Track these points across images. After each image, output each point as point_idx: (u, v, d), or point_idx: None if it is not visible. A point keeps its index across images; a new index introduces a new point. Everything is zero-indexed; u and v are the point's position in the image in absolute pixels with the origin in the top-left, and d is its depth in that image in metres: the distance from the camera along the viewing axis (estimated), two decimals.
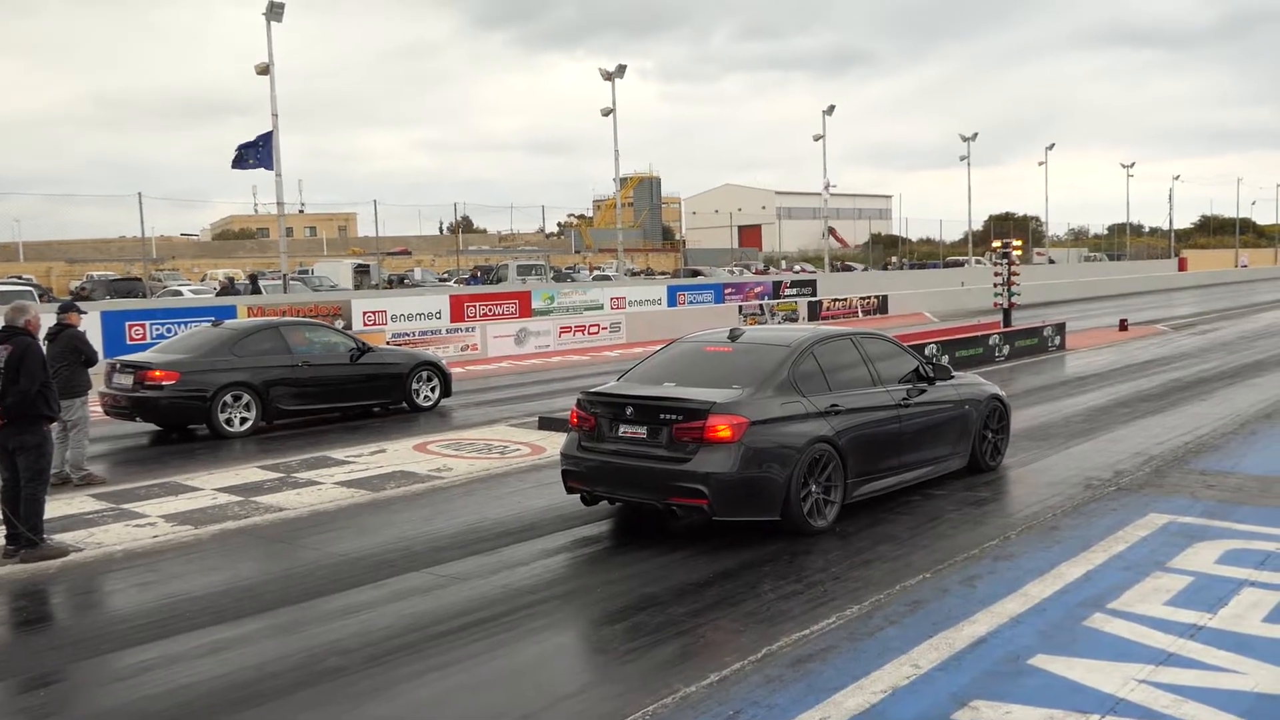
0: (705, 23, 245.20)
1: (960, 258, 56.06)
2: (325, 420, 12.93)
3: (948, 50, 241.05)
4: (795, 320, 29.35)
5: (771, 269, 58.52)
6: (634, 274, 51.82)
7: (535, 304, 27.45)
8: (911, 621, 5.33)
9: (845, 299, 32.20)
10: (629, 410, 6.89)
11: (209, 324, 12.76)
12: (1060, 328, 20.69)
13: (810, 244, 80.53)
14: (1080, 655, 4.82)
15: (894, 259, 62.10)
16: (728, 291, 33.05)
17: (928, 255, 63.45)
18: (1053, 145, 59.89)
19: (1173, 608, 5.43)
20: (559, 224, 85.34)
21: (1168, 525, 7.05)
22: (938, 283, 40.73)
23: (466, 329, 22.86)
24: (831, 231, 69.14)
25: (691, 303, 31.82)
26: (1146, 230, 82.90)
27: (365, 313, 23.44)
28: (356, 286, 37.37)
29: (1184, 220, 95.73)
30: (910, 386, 7.85)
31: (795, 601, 5.75)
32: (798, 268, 58.03)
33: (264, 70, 23.73)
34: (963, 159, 50.27)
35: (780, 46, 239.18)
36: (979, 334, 18.84)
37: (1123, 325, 24.52)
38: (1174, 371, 16.49)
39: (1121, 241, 67.35)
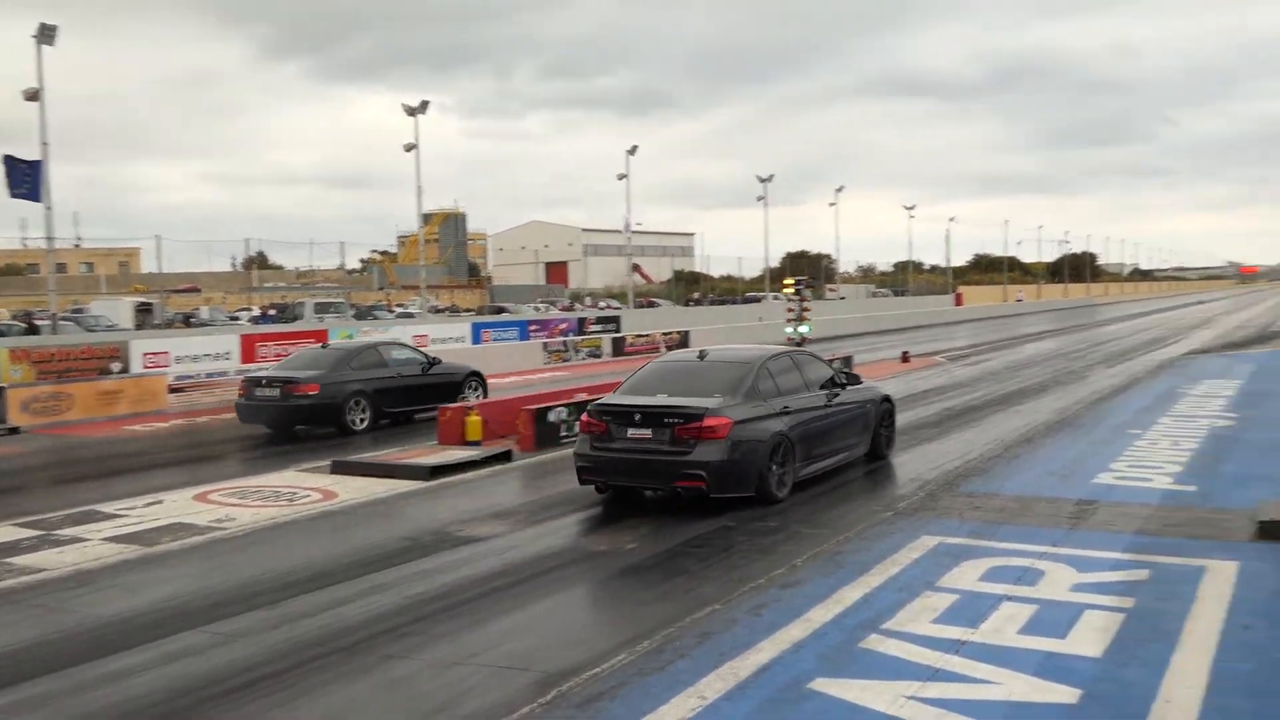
0: (507, 60, 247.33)
1: (759, 293, 58.24)
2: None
3: (744, 94, 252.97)
4: (599, 356, 29.95)
5: (577, 305, 58.97)
6: (438, 311, 51.08)
7: (333, 343, 26.72)
8: (700, 653, 5.44)
9: (648, 334, 32.81)
10: (637, 416, 8.79)
11: (319, 346, 16.80)
12: (848, 360, 21.66)
13: (616, 280, 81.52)
14: (856, 677, 5.06)
15: (696, 295, 63.76)
16: (532, 328, 33.11)
17: (729, 291, 65.57)
18: (842, 187, 63.60)
19: (940, 625, 5.76)
20: (362, 260, 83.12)
21: (938, 546, 7.48)
22: (738, 317, 42.10)
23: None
24: (636, 268, 70.45)
25: (497, 339, 31.67)
26: (927, 267, 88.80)
27: (145, 354, 22.27)
28: (138, 326, 35.30)
29: (960, 258, 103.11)
30: (829, 391, 10.00)
31: (588, 636, 5.84)
32: (603, 304, 58.70)
33: (33, 96, 22.85)
34: (760, 199, 52.30)
35: (583, 86, 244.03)
36: None
37: (905, 357, 25.94)
38: (949, 400, 17.63)
39: (905, 278, 71.83)
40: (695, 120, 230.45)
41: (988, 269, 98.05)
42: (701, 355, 9.91)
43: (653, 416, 8.88)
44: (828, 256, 69.25)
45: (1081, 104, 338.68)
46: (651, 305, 55.41)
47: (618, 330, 34.95)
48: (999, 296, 79.19)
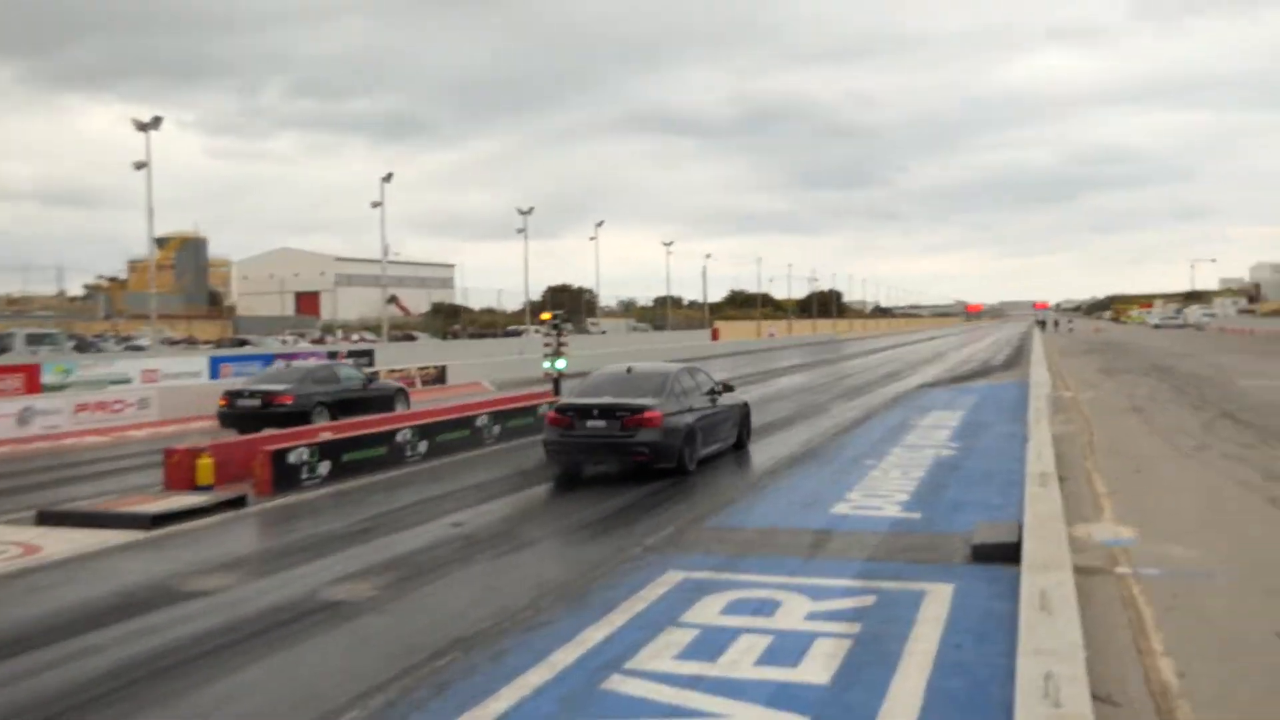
0: (254, 76, 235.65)
1: (519, 327, 58.20)
2: None
3: (506, 124, 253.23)
4: None
5: (328, 338, 56.80)
6: (173, 343, 47.80)
7: (46, 378, 24.96)
8: (438, 705, 5.31)
9: (403, 369, 32.01)
10: (595, 411, 12.52)
11: (283, 365, 21.29)
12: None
13: (372, 312, 79.29)
14: (597, 718, 5.07)
15: (456, 328, 62.88)
16: (278, 363, 31.20)
17: (489, 325, 65.14)
18: (602, 221, 65.38)
19: (681, 661, 5.88)
20: (86, 287, 76.63)
21: (683, 581, 7.65)
22: (497, 352, 41.76)
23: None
24: (394, 300, 68.76)
25: (238, 374, 29.88)
26: (686, 303, 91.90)
27: None
28: None
29: (716, 294, 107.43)
30: (712, 397, 14.11)
31: (319, 692, 5.60)
32: (356, 336, 56.86)
33: None
34: (520, 231, 52.47)
35: (336, 108, 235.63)
36: (530, 404, 19.37)
37: None
38: None
39: (664, 312, 73.94)
40: (455, 148, 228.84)
41: (742, 305, 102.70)
42: (629, 370, 14.04)
43: (606, 411, 12.70)
44: (589, 290, 70.33)
45: (825, 148, 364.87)
46: (409, 339, 54.22)
47: (371, 365, 33.82)
48: (753, 332, 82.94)
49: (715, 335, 70.69)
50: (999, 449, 15.01)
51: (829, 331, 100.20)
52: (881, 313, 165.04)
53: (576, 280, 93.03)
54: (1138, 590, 6.88)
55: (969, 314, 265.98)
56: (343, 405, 19.10)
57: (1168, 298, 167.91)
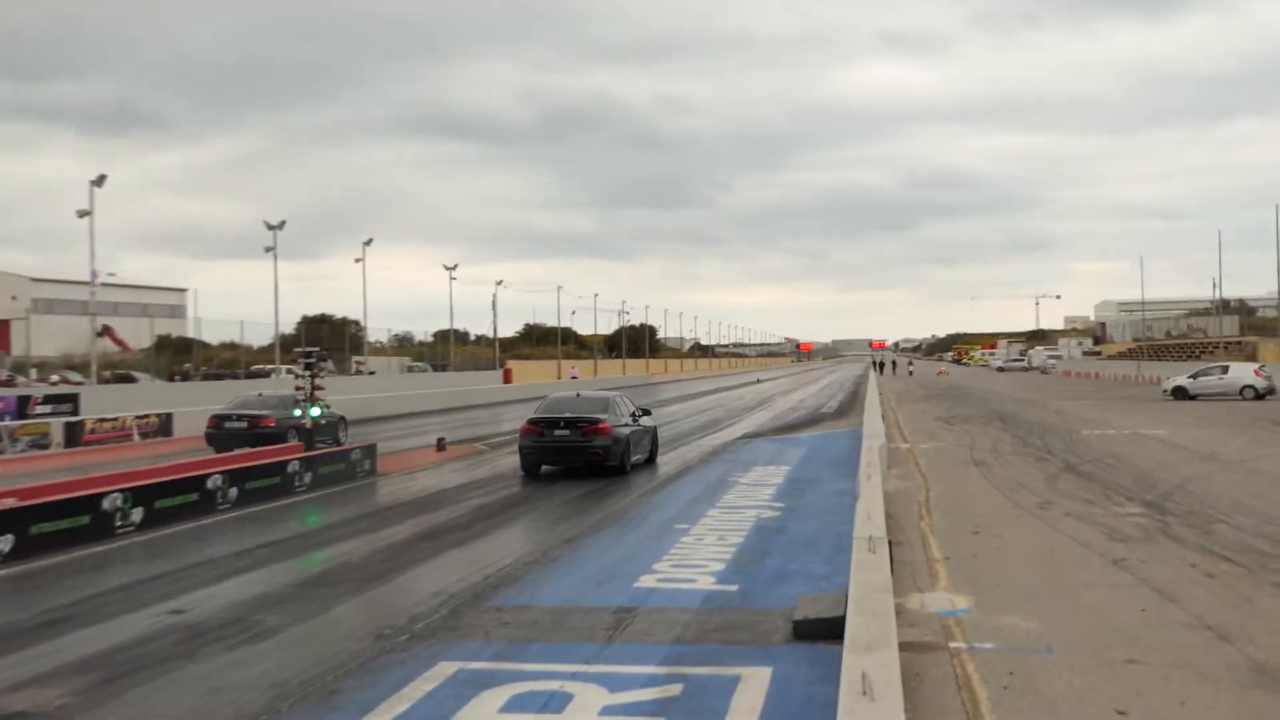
0: None
1: (267, 366, 56.30)
2: None
3: (256, 121, 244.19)
4: (46, 447, 27.49)
5: (19, 378, 53.21)
6: None
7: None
8: None
9: (118, 418, 30.37)
10: (561, 423, 20.11)
11: (258, 394, 28.33)
12: (370, 450, 21.60)
13: (79, 346, 74.71)
14: None
15: (187, 367, 60.22)
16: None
17: (229, 363, 62.68)
18: (371, 240, 62.27)
19: None
20: None
21: (457, 674, 7.54)
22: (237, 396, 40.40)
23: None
24: (106, 331, 65.20)
25: None
26: (473, 338, 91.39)
27: None
28: None
29: (509, 328, 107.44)
30: (635, 418, 21.41)
31: None
32: (56, 378, 53.55)
33: None
34: (269, 250, 50.46)
35: (33, 92, 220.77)
36: (278, 460, 18.94)
37: (440, 445, 26.32)
38: (486, 496, 18.18)
39: (447, 350, 72.92)
40: (190, 147, 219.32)
41: (540, 341, 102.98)
42: (579, 395, 22.36)
43: (572, 422, 20.25)
44: (355, 323, 68.71)
45: (635, 161, 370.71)
46: (127, 380, 51.46)
47: (75, 413, 31.92)
48: (553, 373, 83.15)
49: (508, 377, 70.58)
50: (828, 509, 15.58)
51: (640, 373, 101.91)
52: (702, 351, 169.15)
53: (340, 310, 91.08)
54: (972, 668, 7.25)
55: (800, 354, 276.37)
56: (303, 430, 23.63)
57: (1011, 337, 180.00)
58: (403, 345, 76.57)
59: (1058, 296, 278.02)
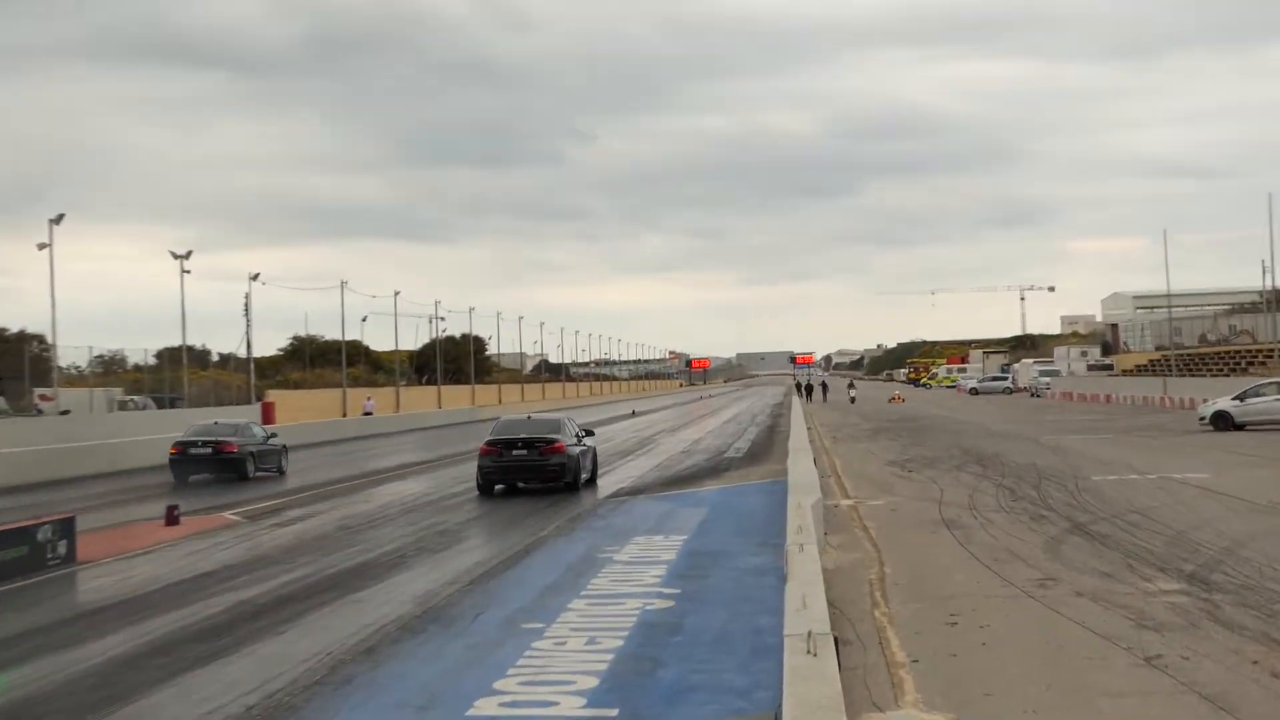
0: None
1: None
2: None
3: None
4: None
5: None
6: None
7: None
8: None
9: None
10: (519, 443, 31.72)
11: (215, 422, 41.35)
12: (67, 526, 21.01)
13: None
14: None
15: None
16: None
17: None
18: (61, 216, 55.60)
19: None
20: None
21: None
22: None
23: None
24: None
25: None
26: (216, 358, 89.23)
27: None
28: None
29: (269, 343, 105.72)
30: (580, 438, 33.10)
31: None
32: None
33: None
34: None
35: None
36: (29, 527, 19.26)
37: (172, 516, 25.99)
38: (247, 589, 17.91)
39: (179, 376, 70.81)
40: None
41: (316, 360, 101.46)
42: (529, 417, 34.77)
43: (529, 442, 31.28)
44: (38, 339, 66.71)
45: (451, 98, 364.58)
46: None
47: None
48: (336, 406, 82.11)
49: (269, 413, 69.54)
50: (742, 594, 15.64)
51: (464, 405, 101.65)
52: (552, 373, 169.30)
53: (16, 321, 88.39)
54: None
55: (693, 373, 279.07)
56: (255, 456, 39.22)
57: (990, 346, 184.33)
58: (111, 371, 74.22)
59: (1051, 288, 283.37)
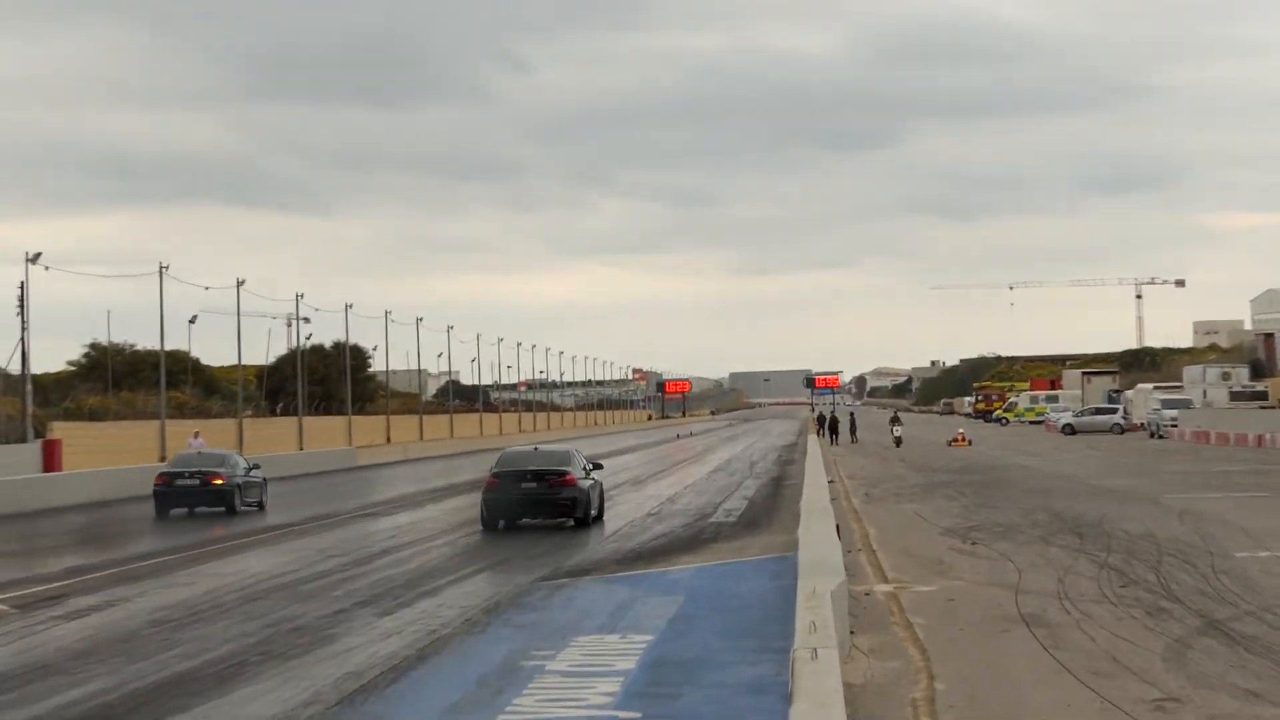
0: None
1: None
2: None
3: None
4: None
5: None
6: None
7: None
8: None
9: None
10: (529, 475, 43.40)
11: (198, 452, 60.99)
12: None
13: None
14: None
15: None
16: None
17: None
18: None
19: None
20: None
21: None
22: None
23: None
24: None
25: None
26: None
27: None
28: None
29: (55, 354, 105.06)
30: (588, 472, 45.22)
31: None
32: None
33: None
34: None
35: None
36: None
37: None
38: (15, 709, 17.74)
39: None
40: None
41: (125, 381, 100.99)
42: (535, 447, 48.60)
43: (537, 475, 42.66)
44: None
45: (323, 4, 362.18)
46: None
47: None
48: (152, 446, 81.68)
49: (53, 456, 69.42)
50: None
51: (340, 446, 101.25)
52: (466, 400, 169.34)
53: None
54: None
55: (668, 402, 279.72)
56: (241, 488, 50.92)
57: (1091, 365, 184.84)
58: None
59: (1179, 283, 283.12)
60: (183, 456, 52.43)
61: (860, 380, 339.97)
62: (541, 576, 30.56)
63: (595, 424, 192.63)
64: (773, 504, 48.24)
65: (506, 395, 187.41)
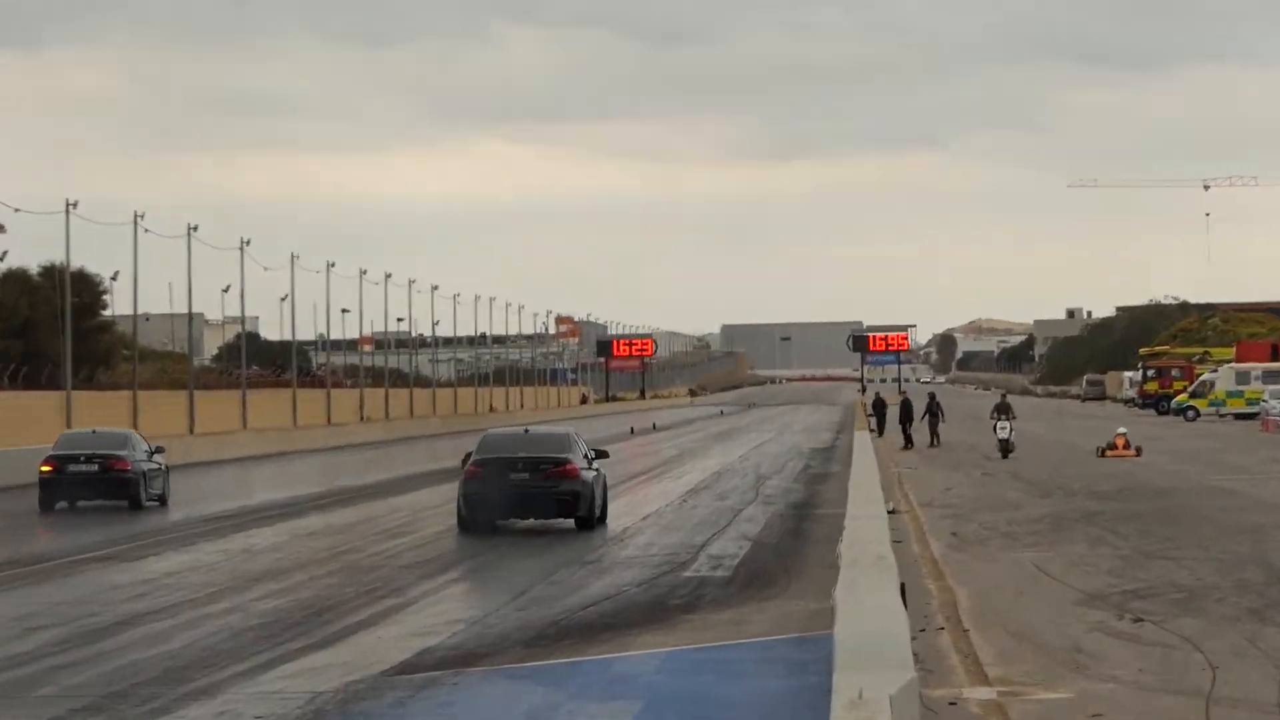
0: None
1: None
2: None
3: None
4: None
5: None
6: None
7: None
8: None
9: None
10: (520, 463, 68.90)
11: (92, 431, 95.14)
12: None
13: None
14: None
15: None
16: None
17: None
18: None
19: None
20: None
21: None
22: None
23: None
24: None
25: None
26: None
27: None
28: None
29: None
30: (590, 461, 73.46)
31: None
32: None
33: None
34: None
35: None
36: None
37: None
38: None
39: None
40: None
41: None
42: (526, 430, 78.46)
43: (530, 463, 65.75)
44: None
45: None
46: None
47: None
48: None
49: None
50: None
51: (31, 445, 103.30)
52: (269, 369, 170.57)
53: None
54: None
55: (614, 372, 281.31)
56: (147, 476, 76.99)
57: None
58: None
59: None
60: (72, 436, 59.28)
61: (944, 342, 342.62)
62: (398, 664, 30.38)
63: (490, 409, 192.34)
64: (792, 547, 48.37)
65: (342, 359, 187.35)
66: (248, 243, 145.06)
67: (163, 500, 63.32)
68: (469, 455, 67.74)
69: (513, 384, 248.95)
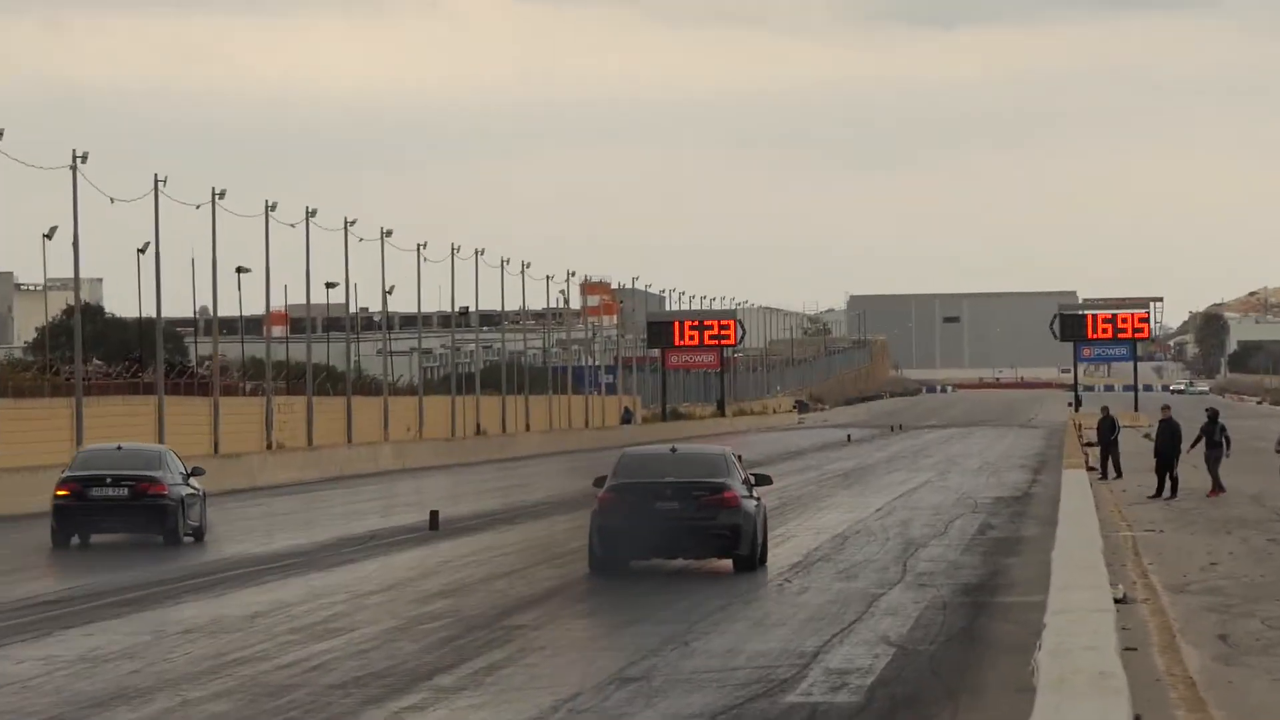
0: None
1: None
2: None
3: None
4: None
5: None
6: None
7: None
8: None
9: None
10: (668, 490, 65.87)
11: (118, 447, 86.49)
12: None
13: None
14: None
15: None
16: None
17: None
18: None
19: None
20: None
21: None
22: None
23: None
24: None
25: None
26: None
27: None
28: None
29: None
30: (750, 487, 75.11)
31: None
32: None
33: None
34: None
35: None
36: None
37: None
38: None
39: None
40: None
41: None
42: (673, 449, 74.03)
43: (680, 489, 63.66)
44: None
45: None
46: None
47: None
48: None
49: None
50: None
51: None
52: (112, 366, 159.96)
53: None
54: None
55: (674, 367, 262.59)
56: (185, 503, 73.91)
57: None
58: None
59: None
60: (93, 453, 51.88)
61: (1207, 324, 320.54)
62: None
63: (478, 430, 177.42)
64: (960, 657, 37.93)
65: (239, 349, 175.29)
66: (83, 158, 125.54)
67: (198, 535, 58.09)
68: (601, 479, 63.63)
69: (512, 391, 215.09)
